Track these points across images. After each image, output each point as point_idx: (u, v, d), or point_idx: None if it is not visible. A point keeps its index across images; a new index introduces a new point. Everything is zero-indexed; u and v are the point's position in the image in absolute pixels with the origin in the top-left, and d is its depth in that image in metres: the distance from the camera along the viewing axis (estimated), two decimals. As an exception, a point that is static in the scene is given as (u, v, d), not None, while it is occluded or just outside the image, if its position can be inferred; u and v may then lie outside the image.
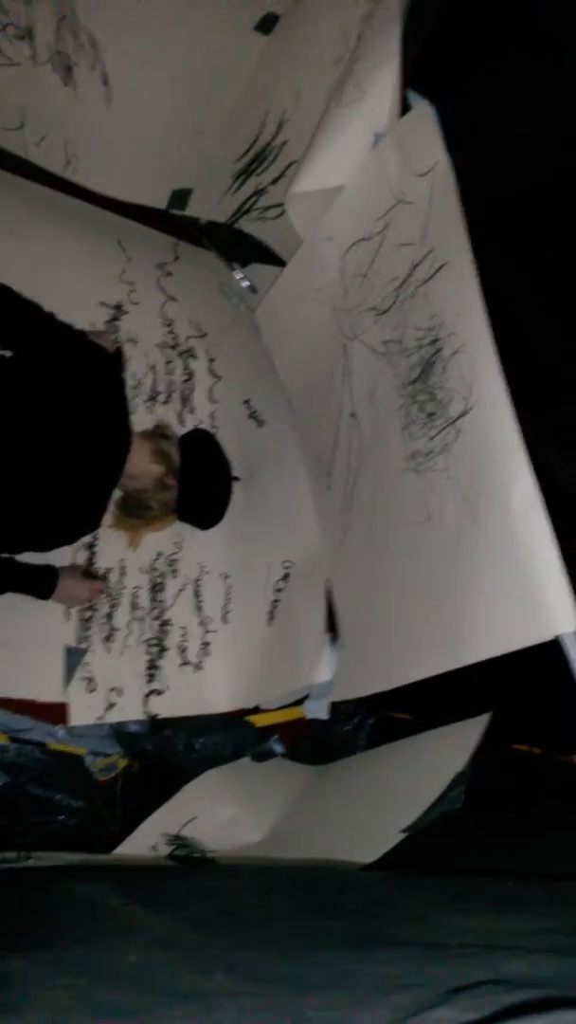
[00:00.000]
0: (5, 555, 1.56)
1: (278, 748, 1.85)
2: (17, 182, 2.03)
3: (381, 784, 1.62)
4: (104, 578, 1.79)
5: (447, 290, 1.41)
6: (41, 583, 1.62)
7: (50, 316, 1.66)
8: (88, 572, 1.76)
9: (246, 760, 1.84)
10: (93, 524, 1.70)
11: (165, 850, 1.61)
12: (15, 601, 1.64)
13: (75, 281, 2.03)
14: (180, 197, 2.06)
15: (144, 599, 1.89)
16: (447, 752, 1.43)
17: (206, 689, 1.85)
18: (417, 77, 1.47)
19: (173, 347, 2.18)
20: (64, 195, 2.08)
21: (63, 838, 1.66)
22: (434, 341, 1.45)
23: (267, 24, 1.68)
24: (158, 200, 2.05)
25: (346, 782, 1.76)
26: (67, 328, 1.71)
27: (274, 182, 1.91)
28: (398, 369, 1.56)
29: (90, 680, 1.74)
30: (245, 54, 1.73)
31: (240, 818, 1.72)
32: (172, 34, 1.66)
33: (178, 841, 1.63)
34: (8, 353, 1.63)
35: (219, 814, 1.70)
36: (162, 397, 2.11)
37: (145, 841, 1.64)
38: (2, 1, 1.59)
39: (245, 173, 1.93)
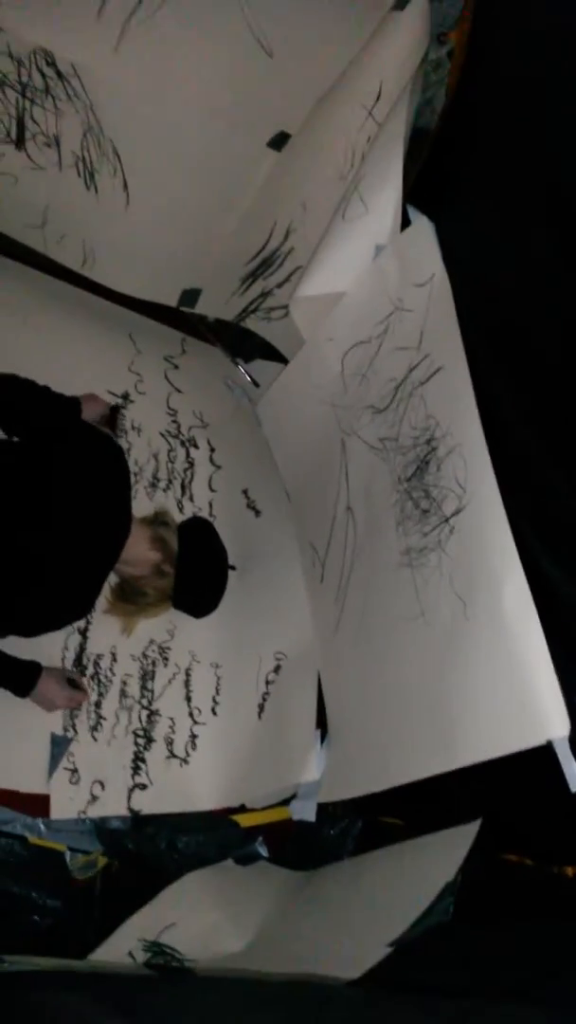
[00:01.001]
0: None
1: (263, 851, 1.79)
2: (35, 276, 2.13)
3: (368, 894, 1.56)
4: (85, 689, 1.74)
5: (442, 393, 1.46)
6: (22, 679, 1.59)
7: (55, 398, 1.71)
8: (71, 680, 1.71)
9: (229, 863, 1.78)
10: (85, 609, 1.70)
11: (143, 957, 1.53)
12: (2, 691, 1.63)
13: (86, 370, 2.09)
14: (190, 296, 2.15)
15: (134, 688, 1.86)
16: (436, 861, 1.38)
17: (192, 785, 1.80)
18: (416, 194, 1.57)
19: (176, 436, 2.23)
20: (80, 290, 2.18)
21: (37, 940, 1.59)
22: (429, 440, 1.48)
23: (279, 142, 1.79)
24: (169, 298, 2.14)
25: (332, 890, 1.69)
26: (70, 407, 1.75)
27: (280, 285, 2.00)
28: (394, 466, 1.59)
29: (74, 771, 1.70)
30: (257, 168, 1.83)
31: (221, 925, 1.64)
32: (190, 148, 1.77)
33: (156, 948, 1.55)
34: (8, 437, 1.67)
35: (200, 920, 1.63)
36: (163, 484, 2.14)
37: (122, 946, 1.56)
38: (33, 112, 1.71)
39: (253, 276, 2.02)
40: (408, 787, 1.39)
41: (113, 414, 1.96)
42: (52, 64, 1.62)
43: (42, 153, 1.78)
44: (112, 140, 1.74)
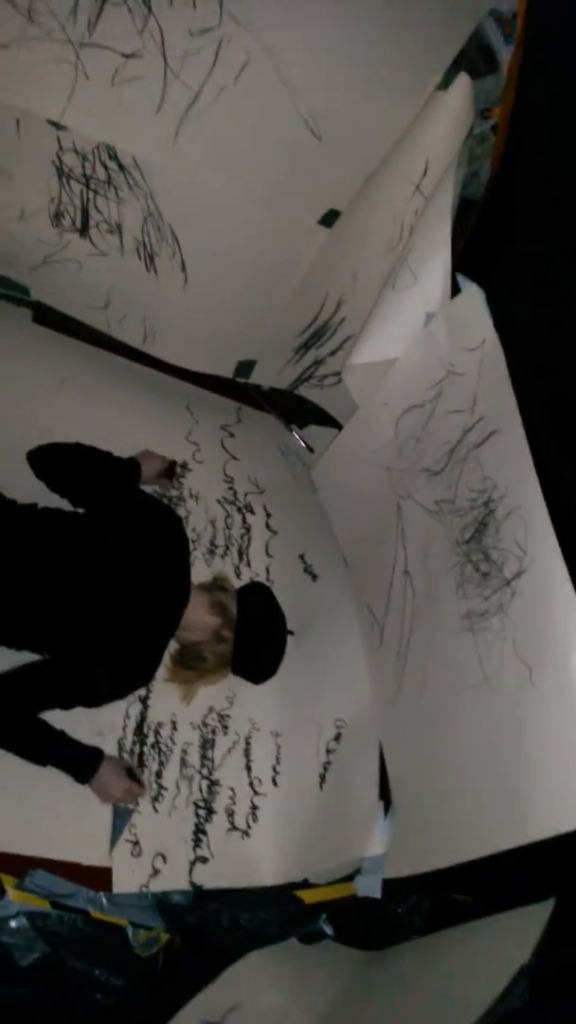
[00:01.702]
0: (57, 728, 1.55)
1: (327, 929, 1.73)
2: (99, 354, 2.23)
3: (439, 977, 1.48)
4: (142, 783, 1.70)
5: (498, 455, 1.45)
6: (83, 766, 1.58)
7: (116, 461, 1.76)
8: (131, 771, 1.68)
9: (293, 941, 1.72)
10: (147, 677, 1.71)
11: (205, 1041, 1.48)
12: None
13: (146, 441, 2.14)
14: (245, 367, 2.21)
15: (194, 757, 1.85)
16: (509, 942, 1.31)
17: (253, 859, 1.76)
18: (465, 262, 1.60)
19: (233, 502, 2.26)
20: (141, 365, 2.27)
21: (99, 1019, 1.55)
22: (487, 503, 1.48)
23: (329, 219, 1.86)
24: (225, 370, 2.21)
25: (402, 972, 1.61)
26: (131, 468, 1.80)
27: (332, 354, 2.04)
28: (451, 528, 1.59)
29: (136, 844, 1.68)
30: (308, 245, 1.90)
31: (287, 1007, 1.58)
32: (244, 230, 1.85)
33: (219, 1032, 1.50)
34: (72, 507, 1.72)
35: (264, 1002, 1.57)
36: (220, 550, 2.16)
37: (185, 1028, 1.52)
38: (96, 202, 1.81)
39: (305, 346, 2.07)
40: (478, 862, 1.34)
41: (171, 467, 2.01)
42: (115, 158, 1.72)
43: (105, 240, 1.88)
44: (171, 225, 1.82)
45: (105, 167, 1.75)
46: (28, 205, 1.81)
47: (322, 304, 1.96)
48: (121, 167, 1.74)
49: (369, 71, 1.65)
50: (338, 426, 2.12)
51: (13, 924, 1.56)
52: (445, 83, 1.63)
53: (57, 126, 1.65)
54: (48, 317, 2.17)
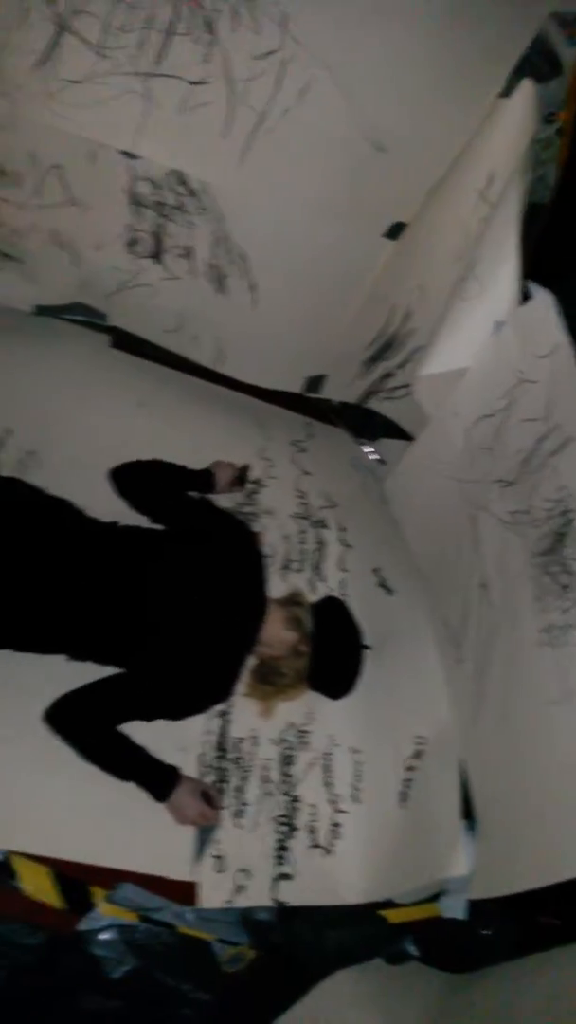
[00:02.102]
0: (139, 743, 1.58)
1: (413, 950, 1.70)
2: (174, 375, 2.29)
3: (529, 1004, 1.44)
4: (217, 810, 1.70)
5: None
6: (161, 784, 1.60)
7: (190, 474, 1.82)
8: (207, 794, 1.67)
9: (379, 961, 1.70)
10: (226, 692, 1.73)
11: (293, 1059, 1.48)
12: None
13: (219, 457, 2.19)
14: (314, 383, 2.22)
15: (274, 773, 1.86)
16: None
17: (336, 877, 1.75)
18: (535, 268, 1.57)
19: (306, 518, 2.27)
20: (213, 384, 2.31)
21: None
22: (564, 512, 1.44)
23: (395, 231, 1.86)
24: (295, 386, 2.23)
25: (491, 997, 1.57)
26: (204, 478, 1.87)
27: (401, 366, 2.03)
28: (527, 540, 1.55)
29: (220, 859, 1.70)
30: (374, 258, 1.90)
31: (375, 1029, 1.56)
32: (311, 247, 1.87)
33: (306, 1051, 1.49)
34: (150, 524, 1.76)
35: (353, 1022, 1.56)
36: (295, 566, 2.17)
37: (272, 1046, 1.52)
38: (168, 228, 1.86)
39: (374, 359, 2.07)
40: (567, 884, 1.30)
41: (243, 472, 2.04)
42: (184, 183, 1.77)
43: (177, 264, 1.93)
44: (240, 246, 1.86)
45: (176, 193, 1.79)
46: (104, 235, 1.87)
47: (390, 317, 1.96)
48: (191, 192, 1.78)
49: (430, 82, 1.65)
50: (409, 438, 2.10)
51: (103, 936, 1.59)
52: (508, 90, 1.61)
53: (129, 156, 1.70)
54: (125, 341, 2.24)
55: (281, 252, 1.90)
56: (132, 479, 1.76)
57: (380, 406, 2.23)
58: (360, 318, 2.02)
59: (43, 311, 2.08)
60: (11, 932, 1.53)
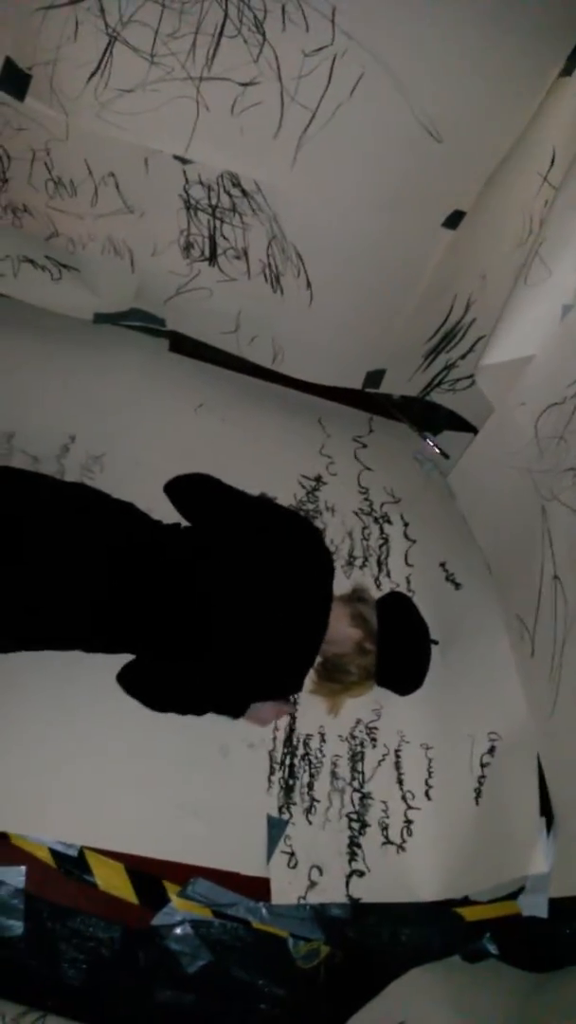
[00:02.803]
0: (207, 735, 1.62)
1: (492, 948, 1.67)
2: (232, 376, 2.31)
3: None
4: (292, 702, 1.78)
5: None
6: (235, 700, 1.67)
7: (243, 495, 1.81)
8: None
9: (457, 959, 1.67)
10: (293, 688, 1.73)
11: (371, 1057, 1.47)
12: (218, 768, 1.68)
13: (279, 457, 2.20)
14: (374, 378, 2.20)
15: (344, 769, 1.85)
16: None
17: (410, 874, 1.74)
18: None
19: (369, 513, 2.26)
20: (271, 383, 2.31)
21: (264, 1030, 1.57)
22: None
23: (454, 220, 1.82)
24: (354, 381, 2.21)
25: (571, 999, 1.53)
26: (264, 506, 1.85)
27: (463, 357, 2.00)
28: (603, 530, 1.51)
29: (291, 855, 1.70)
30: (433, 248, 1.87)
31: (453, 1028, 1.54)
32: (368, 241, 1.85)
33: (385, 1049, 1.48)
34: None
35: (431, 1020, 1.54)
36: (359, 562, 2.16)
37: (350, 1043, 1.51)
38: (223, 230, 1.87)
39: (435, 351, 2.04)
40: None
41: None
42: (238, 184, 1.77)
43: (232, 265, 1.94)
44: (295, 244, 1.85)
45: (229, 195, 1.80)
46: (160, 240, 1.89)
47: (451, 307, 1.93)
48: (244, 193, 1.79)
49: (486, 66, 1.61)
50: (474, 430, 2.07)
51: (178, 931, 1.62)
52: (569, 69, 1.56)
53: (183, 160, 1.71)
54: (183, 345, 2.26)
55: (337, 248, 1.88)
56: (183, 493, 1.77)
57: (443, 398, 2.20)
58: (420, 310, 1.99)
59: (102, 319, 2.12)
60: (89, 926, 1.57)
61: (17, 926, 1.53)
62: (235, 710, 1.67)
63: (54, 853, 1.57)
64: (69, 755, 1.65)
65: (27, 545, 1.49)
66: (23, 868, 1.55)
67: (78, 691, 1.67)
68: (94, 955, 1.56)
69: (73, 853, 1.58)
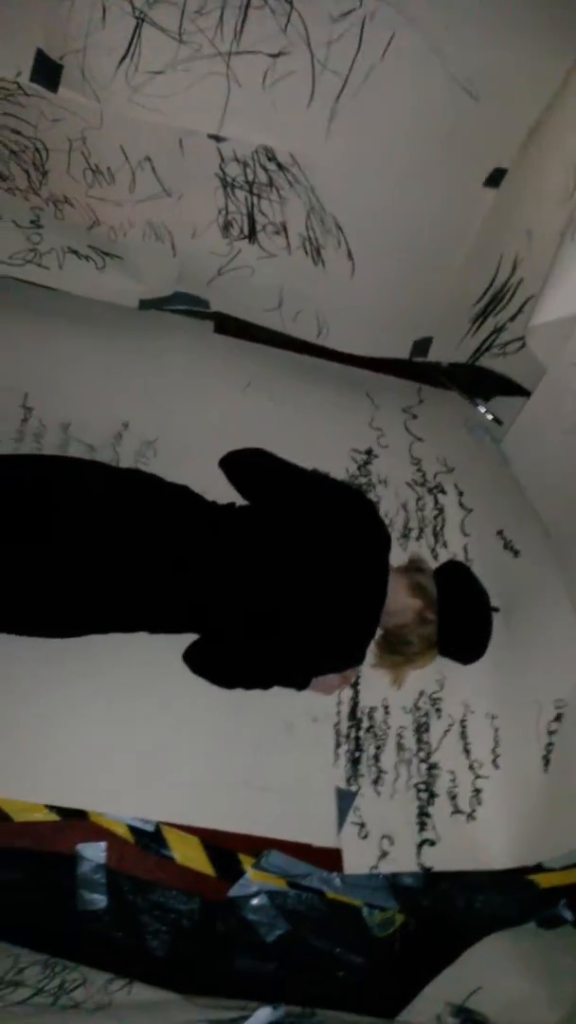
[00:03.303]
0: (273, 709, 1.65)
1: (567, 914, 1.66)
2: (278, 354, 2.30)
3: None
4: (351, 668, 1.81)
5: None
6: (299, 674, 1.68)
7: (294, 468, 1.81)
8: None
9: (532, 925, 1.67)
10: (355, 661, 1.73)
11: (452, 1022, 1.48)
12: (285, 743, 1.70)
13: (329, 432, 2.20)
14: (421, 346, 2.17)
15: (410, 740, 1.85)
16: None
17: (481, 842, 1.74)
18: None
19: (422, 484, 2.24)
20: (317, 359, 2.30)
21: (344, 996, 1.60)
22: None
23: (495, 179, 1.78)
24: (401, 351, 2.18)
25: None
26: (318, 480, 1.84)
27: (512, 318, 1.95)
28: None
29: (362, 826, 1.72)
30: (476, 209, 1.83)
31: (532, 994, 1.54)
32: (407, 206, 1.81)
33: (465, 1013, 1.49)
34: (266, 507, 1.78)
35: (508, 987, 1.55)
36: (414, 533, 2.15)
37: (429, 1009, 1.53)
38: (261, 206, 1.86)
39: (483, 314, 2.00)
40: None
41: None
42: (273, 158, 1.75)
43: (272, 241, 1.92)
44: (333, 215, 1.83)
45: (265, 170, 1.78)
46: (199, 221, 1.89)
47: (497, 268, 1.88)
48: (280, 167, 1.77)
49: (520, 19, 1.55)
50: (526, 394, 2.02)
51: (255, 902, 1.66)
52: (609, 14, 1.50)
53: (217, 139, 1.70)
54: (228, 325, 2.26)
55: (376, 216, 1.85)
56: (238, 468, 1.78)
57: (492, 363, 2.16)
58: (465, 274, 1.95)
59: (147, 304, 2.13)
60: (168, 898, 1.62)
61: (101, 900, 1.59)
62: (300, 683, 1.68)
63: (132, 829, 1.62)
64: (143, 735, 1.70)
65: (89, 533, 1.53)
66: (103, 844, 1.61)
67: (147, 673, 1.71)
68: (175, 926, 1.61)
69: (150, 828, 1.63)
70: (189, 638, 1.64)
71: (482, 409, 2.39)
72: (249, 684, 1.65)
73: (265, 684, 1.65)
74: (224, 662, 1.63)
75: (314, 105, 1.66)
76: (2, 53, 1.56)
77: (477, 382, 2.35)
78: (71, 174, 1.77)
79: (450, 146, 1.71)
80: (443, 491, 2.24)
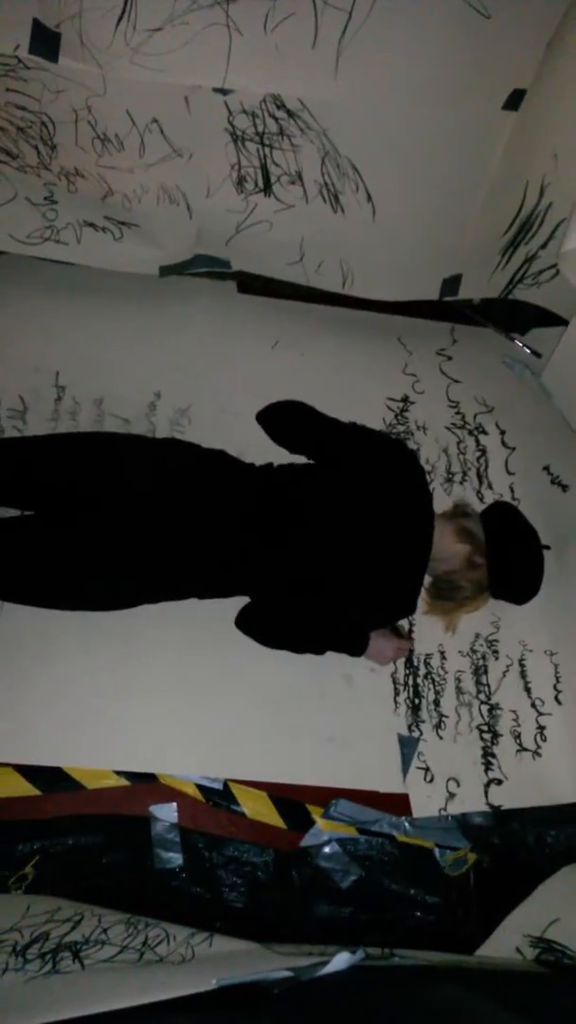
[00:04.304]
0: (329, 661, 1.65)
1: None
2: (304, 307, 2.27)
3: None
4: (410, 637, 1.80)
5: None
6: (355, 641, 1.67)
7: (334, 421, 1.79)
8: (396, 631, 1.76)
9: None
10: (406, 610, 1.73)
11: (532, 953, 1.50)
12: (345, 695, 1.72)
13: (362, 384, 2.17)
14: (451, 284, 2.12)
15: (469, 684, 1.86)
16: None
17: (548, 778, 1.74)
18: None
19: (462, 426, 2.20)
20: (344, 309, 2.26)
21: (422, 936, 1.64)
22: None
23: (515, 100, 1.70)
24: (430, 292, 2.13)
25: None
26: (356, 430, 1.82)
27: (543, 246, 1.88)
28: None
29: (427, 770, 1.73)
30: (496, 135, 1.75)
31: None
32: (424, 140, 1.75)
33: (544, 944, 1.51)
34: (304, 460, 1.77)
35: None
36: (458, 477, 2.12)
37: (508, 942, 1.55)
38: (273, 157, 1.82)
39: (513, 245, 1.94)
40: None
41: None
42: (282, 106, 1.71)
43: (288, 192, 1.88)
44: (349, 157, 1.78)
45: (275, 118, 1.74)
46: (212, 179, 1.86)
47: (523, 195, 1.81)
48: (290, 114, 1.72)
49: None
50: (564, 323, 1.96)
51: (327, 850, 1.69)
52: None
53: (223, 92, 1.66)
54: (251, 284, 2.24)
55: (393, 153, 1.79)
56: (277, 420, 1.77)
57: (526, 294, 2.09)
58: (490, 204, 1.88)
59: (168, 271, 2.11)
60: (242, 852, 1.66)
61: (176, 858, 1.64)
62: (354, 645, 1.68)
63: (201, 788, 1.67)
64: (205, 697, 1.74)
65: (135, 506, 1.54)
66: (174, 804, 1.66)
67: (204, 638, 1.74)
68: (251, 878, 1.66)
69: (218, 786, 1.67)
70: (240, 602, 1.65)
71: (519, 343, 2.32)
72: (299, 644, 1.65)
73: (318, 647, 1.66)
74: (272, 620, 1.63)
75: (319, 45, 1.60)
76: (-2, 28, 1.54)
77: (512, 316, 2.29)
78: (80, 145, 1.75)
79: (464, 70, 1.64)
80: (484, 431, 2.20)
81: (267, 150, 1.80)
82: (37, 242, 1.99)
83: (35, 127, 1.72)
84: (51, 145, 1.76)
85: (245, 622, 1.63)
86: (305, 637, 1.64)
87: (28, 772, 1.62)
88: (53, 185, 1.87)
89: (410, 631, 1.88)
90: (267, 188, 1.88)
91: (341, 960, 1.08)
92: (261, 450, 1.74)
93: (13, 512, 1.67)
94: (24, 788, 1.61)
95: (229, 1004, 1.04)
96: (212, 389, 2.05)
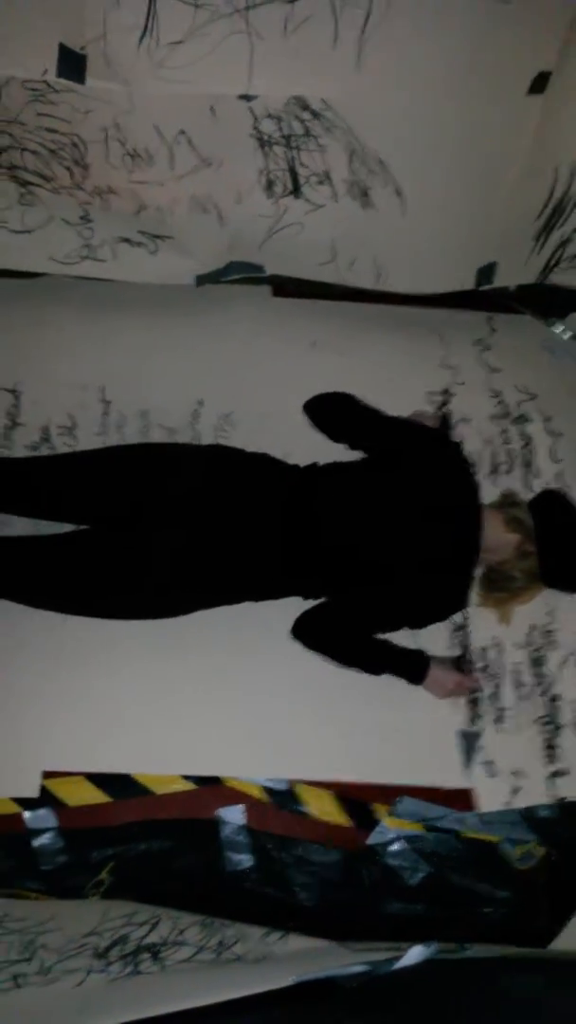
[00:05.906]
0: (381, 637, 1.65)
1: None
2: (339, 307, 2.27)
3: None
4: (472, 672, 1.78)
5: None
6: (413, 666, 1.66)
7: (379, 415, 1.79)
8: (459, 662, 1.74)
9: None
10: (461, 602, 1.71)
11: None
12: (405, 692, 1.71)
13: (401, 379, 2.16)
14: (486, 273, 2.10)
15: (527, 675, 1.84)
16: None
17: (615, 767, 1.72)
18: None
19: (505, 416, 2.18)
20: (379, 305, 2.26)
21: (494, 931, 1.62)
22: None
23: (540, 84, 1.68)
24: (465, 282, 2.12)
25: None
26: (402, 423, 1.82)
27: (577, 229, 1.86)
28: None
29: (490, 764, 1.72)
30: (524, 120, 1.73)
31: None
32: (450, 129, 1.74)
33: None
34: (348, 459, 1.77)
35: None
36: (504, 467, 2.10)
37: (582, 935, 1.54)
38: (301, 158, 1.82)
39: (547, 229, 1.91)
40: None
41: (444, 421, 2.00)
42: (307, 107, 1.72)
43: (317, 192, 1.89)
44: (376, 152, 1.78)
45: (300, 120, 1.74)
46: (242, 186, 1.87)
47: (554, 179, 1.79)
48: (315, 114, 1.73)
49: None
50: (603, 305, 1.93)
51: (394, 847, 1.69)
52: None
53: (247, 98, 1.68)
54: (286, 287, 2.25)
55: (420, 146, 1.79)
56: (323, 408, 1.79)
57: (564, 278, 2.06)
58: (521, 189, 1.86)
59: (203, 280, 2.14)
60: (311, 852, 1.67)
61: (247, 859, 1.66)
62: (413, 667, 1.66)
63: (266, 789, 1.68)
64: (265, 700, 1.76)
65: (182, 512, 1.57)
66: (241, 807, 1.68)
67: (261, 640, 1.76)
68: (321, 878, 1.67)
69: (283, 787, 1.69)
70: (294, 603, 1.66)
71: (559, 328, 2.30)
72: (352, 650, 1.64)
73: (376, 667, 1.64)
74: (328, 622, 1.63)
75: (340, 43, 1.60)
76: (25, 55, 1.57)
77: (550, 301, 2.26)
78: (111, 162, 1.78)
79: (486, 59, 1.63)
80: (528, 419, 2.17)
81: (294, 152, 1.81)
82: (76, 261, 2.03)
83: (66, 148, 1.75)
84: (83, 165, 1.79)
85: (304, 632, 1.62)
86: (359, 642, 1.64)
87: (99, 780, 1.66)
88: (88, 204, 1.91)
89: (464, 624, 1.87)
90: (296, 190, 1.89)
91: (415, 953, 1.08)
92: (305, 451, 1.75)
93: (69, 527, 1.71)
94: (96, 796, 1.65)
95: (305, 999, 1.05)
96: (253, 393, 2.07)
